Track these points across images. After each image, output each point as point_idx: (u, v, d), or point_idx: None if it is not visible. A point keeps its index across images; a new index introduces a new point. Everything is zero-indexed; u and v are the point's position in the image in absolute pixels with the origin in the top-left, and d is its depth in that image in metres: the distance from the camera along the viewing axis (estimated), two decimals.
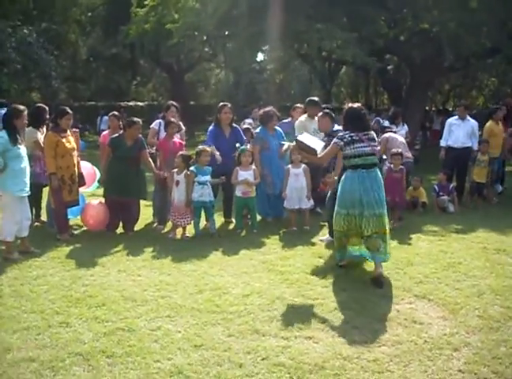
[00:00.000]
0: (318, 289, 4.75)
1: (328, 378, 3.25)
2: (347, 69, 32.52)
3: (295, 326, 3.95)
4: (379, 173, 5.07)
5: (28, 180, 5.73)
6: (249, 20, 12.83)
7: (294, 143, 5.72)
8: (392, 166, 7.51)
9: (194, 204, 6.59)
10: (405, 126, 9.94)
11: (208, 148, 6.75)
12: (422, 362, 3.44)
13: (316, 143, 5.30)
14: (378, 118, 12.98)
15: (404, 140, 8.28)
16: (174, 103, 7.66)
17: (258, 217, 7.27)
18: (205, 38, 17.61)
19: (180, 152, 6.77)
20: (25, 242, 5.88)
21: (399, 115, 10.04)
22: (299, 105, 8.46)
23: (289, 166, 7.01)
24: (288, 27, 12.62)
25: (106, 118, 14.86)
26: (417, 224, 7.26)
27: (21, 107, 5.81)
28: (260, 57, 30.69)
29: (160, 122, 7.43)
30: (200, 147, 6.83)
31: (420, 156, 12.36)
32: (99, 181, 7.27)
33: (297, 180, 6.89)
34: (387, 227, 5.02)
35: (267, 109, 7.57)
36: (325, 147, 5.28)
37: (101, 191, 7.02)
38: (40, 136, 6.64)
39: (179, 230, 6.67)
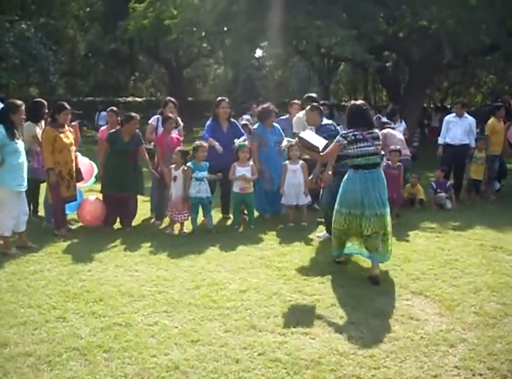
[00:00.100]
0: (315, 285, 4.76)
1: (324, 374, 3.26)
2: (345, 66, 32.47)
3: (291, 322, 3.96)
4: (382, 173, 5.03)
5: (25, 175, 5.73)
6: (247, 17, 12.82)
7: (295, 140, 5.69)
8: (390, 162, 7.52)
9: (192, 201, 6.59)
10: (403, 123, 9.91)
11: (205, 144, 6.75)
12: (418, 358, 3.45)
13: (318, 140, 5.25)
14: (378, 115, 12.95)
15: (402, 137, 8.28)
16: (172, 98, 7.65)
17: (256, 213, 7.28)
18: (203, 34, 17.61)
19: (178, 148, 6.76)
20: (23, 237, 5.88)
21: (397, 112, 10.01)
22: (296, 101, 8.46)
23: (287, 162, 7.01)
24: (287, 23, 12.59)
25: (104, 113, 14.82)
26: (414, 221, 7.28)
27: (18, 102, 5.79)
28: (258, 53, 30.69)
29: (158, 118, 7.42)
30: (197, 142, 6.83)
31: (418, 153, 12.35)
32: (96, 177, 7.26)
33: (295, 176, 6.89)
34: (389, 228, 4.98)
35: (265, 105, 7.57)
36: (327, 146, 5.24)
37: (99, 186, 7.01)
38: (39, 130, 6.62)
39: (177, 226, 6.68)
